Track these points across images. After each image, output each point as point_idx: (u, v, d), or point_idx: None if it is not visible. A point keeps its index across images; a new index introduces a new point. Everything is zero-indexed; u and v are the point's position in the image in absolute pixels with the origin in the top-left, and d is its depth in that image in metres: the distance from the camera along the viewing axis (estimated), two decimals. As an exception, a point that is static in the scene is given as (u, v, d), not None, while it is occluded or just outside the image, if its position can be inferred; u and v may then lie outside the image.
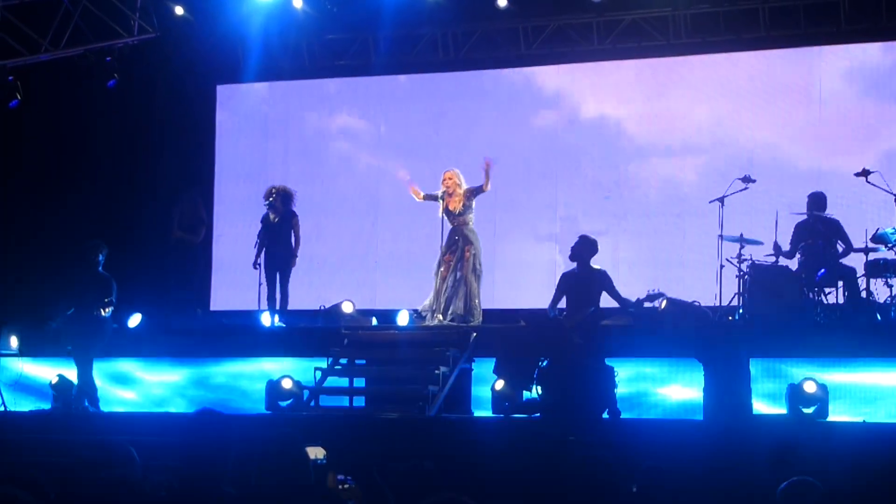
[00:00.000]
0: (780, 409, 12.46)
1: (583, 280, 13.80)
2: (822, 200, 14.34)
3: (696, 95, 16.88)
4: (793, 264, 14.15)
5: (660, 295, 13.56)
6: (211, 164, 18.80)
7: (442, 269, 14.75)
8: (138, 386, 15.35)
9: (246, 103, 18.82)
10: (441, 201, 14.81)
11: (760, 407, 12.47)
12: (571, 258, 13.91)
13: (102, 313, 13.89)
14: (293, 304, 15.86)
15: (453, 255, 14.72)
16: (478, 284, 14.80)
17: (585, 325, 13.22)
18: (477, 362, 13.76)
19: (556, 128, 17.44)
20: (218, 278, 18.32)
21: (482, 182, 14.72)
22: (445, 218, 14.84)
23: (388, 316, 15.84)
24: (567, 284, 13.95)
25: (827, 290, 13.92)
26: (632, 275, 16.48)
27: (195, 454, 5.46)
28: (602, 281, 13.73)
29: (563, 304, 13.82)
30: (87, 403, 13.96)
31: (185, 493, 5.46)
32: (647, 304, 13.48)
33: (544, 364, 12.54)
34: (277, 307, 15.47)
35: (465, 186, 14.85)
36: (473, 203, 14.87)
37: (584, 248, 13.90)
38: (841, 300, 13.98)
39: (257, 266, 15.45)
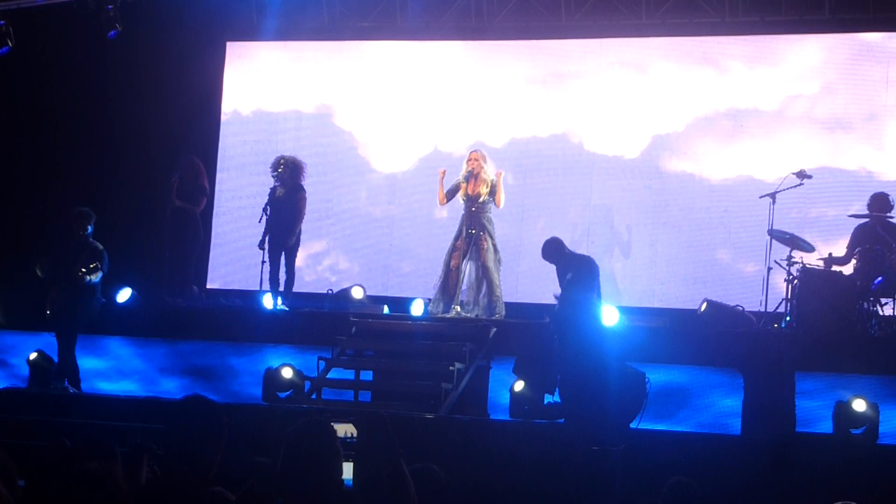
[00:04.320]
0: (826, 429, 12.37)
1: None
2: (885, 201, 14.21)
3: (749, 78, 16.72)
4: (847, 270, 14.04)
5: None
6: (216, 128, 18.73)
7: (454, 255, 14.71)
8: (124, 367, 15.32)
9: (258, 63, 18.73)
10: (465, 183, 14.77)
11: (804, 425, 12.38)
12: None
13: (89, 278, 13.86)
14: (298, 287, 15.82)
15: (466, 244, 14.64)
16: (498, 275, 14.77)
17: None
18: (496, 361, 13.69)
19: (594, 107, 17.28)
20: (217, 254, 18.26)
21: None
22: (464, 203, 14.81)
23: (401, 304, 15.84)
24: None
25: (884, 300, 13.79)
26: (669, 272, 16.41)
27: (182, 443, 5.42)
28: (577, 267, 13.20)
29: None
30: (66, 383, 13.93)
31: (168, 483, 5.42)
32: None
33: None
34: (281, 288, 15.43)
35: (490, 172, 14.79)
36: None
37: (547, 253, 14.14)
38: (899, 312, 13.87)
39: (263, 246, 15.40)
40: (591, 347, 11.49)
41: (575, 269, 12.65)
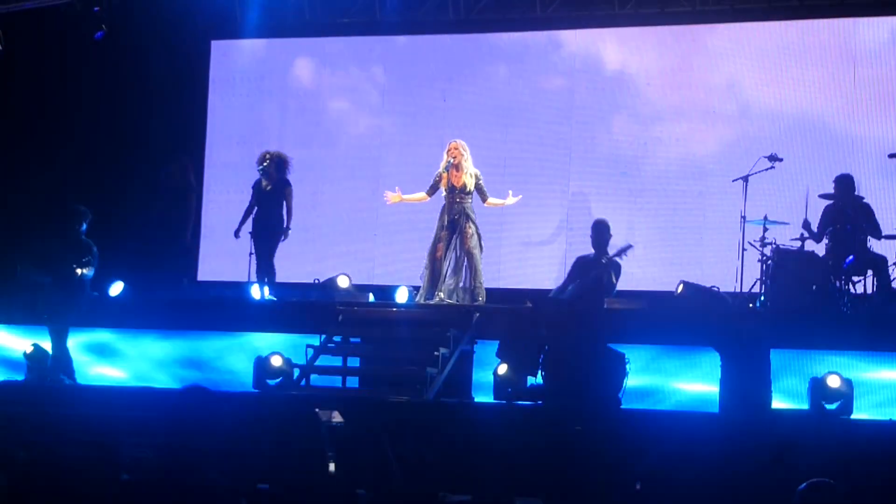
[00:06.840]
0: (802, 405, 12.46)
1: (593, 265, 14.36)
2: (850, 183, 14.30)
3: (721, 67, 16.80)
4: (819, 250, 14.13)
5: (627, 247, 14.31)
6: (202, 125, 18.72)
7: (439, 245, 14.68)
8: (119, 359, 15.34)
9: (242, 61, 18.73)
10: (445, 173, 14.73)
11: (780, 401, 12.46)
12: (594, 247, 14.62)
13: (80, 272, 13.91)
14: (285, 277, 15.84)
15: (450, 233, 14.65)
16: (481, 263, 14.78)
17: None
18: (479, 345, 13.75)
19: (572, 98, 17.36)
20: (206, 247, 18.28)
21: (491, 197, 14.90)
22: (446, 193, 14.77)
23: (386, 292, 15.88)
24: (578, 268, 14.48)
25: (855, 278, 13.90)
26: (647, 257, 16.46)
27: (180, 433, 5.43)
28: (611, 269, 14.20)
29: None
30: (62, 375, 13.97)
31: (167, 473, 5.44)
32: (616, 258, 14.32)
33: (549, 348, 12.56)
34: (267, 279, 15.46)
35: (470, 162, 14.75)
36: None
37: (599, 233, 14.56)
38: (870, 290, 13.95)
39: (239, 235, 15.47)
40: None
41: (617, 269, 14.34)
